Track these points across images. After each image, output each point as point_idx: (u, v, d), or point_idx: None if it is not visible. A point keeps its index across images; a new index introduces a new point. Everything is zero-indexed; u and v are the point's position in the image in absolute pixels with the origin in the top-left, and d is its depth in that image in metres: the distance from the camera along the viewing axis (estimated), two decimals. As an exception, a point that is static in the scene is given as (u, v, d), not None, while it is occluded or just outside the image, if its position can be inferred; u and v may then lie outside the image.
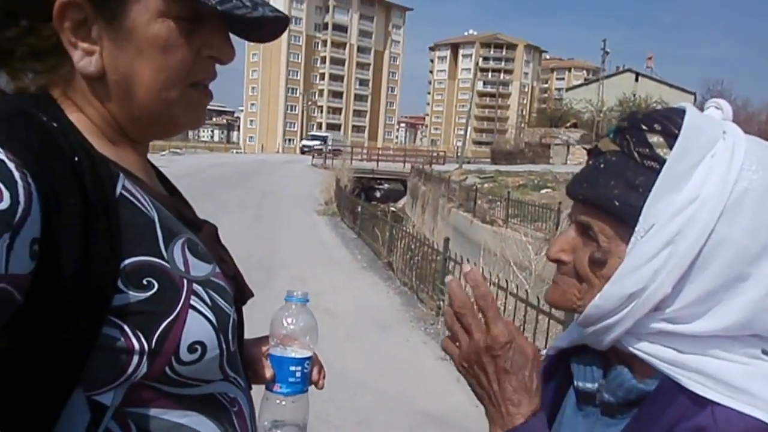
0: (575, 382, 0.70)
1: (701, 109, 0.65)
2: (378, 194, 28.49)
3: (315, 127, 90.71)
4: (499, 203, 13.17)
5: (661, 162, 0.60)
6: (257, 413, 0.79)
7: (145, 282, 0.62)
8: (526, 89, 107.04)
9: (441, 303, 5.95)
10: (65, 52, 0.65)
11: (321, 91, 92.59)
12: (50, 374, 0.57)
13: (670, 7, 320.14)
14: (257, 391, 0.80)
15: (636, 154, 0.62)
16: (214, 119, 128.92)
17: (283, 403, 0.79)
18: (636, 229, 0.60)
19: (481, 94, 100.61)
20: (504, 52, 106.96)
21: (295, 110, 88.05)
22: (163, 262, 0.64)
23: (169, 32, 0.65)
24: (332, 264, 8.38)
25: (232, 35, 0.72)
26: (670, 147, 0.60)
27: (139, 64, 0.65)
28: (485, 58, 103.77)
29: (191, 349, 0.64)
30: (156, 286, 0.62)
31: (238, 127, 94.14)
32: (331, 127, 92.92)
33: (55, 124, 0.62)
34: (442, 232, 12.83)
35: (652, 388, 0.62)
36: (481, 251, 6.21)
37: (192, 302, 0.64)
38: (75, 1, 0.63)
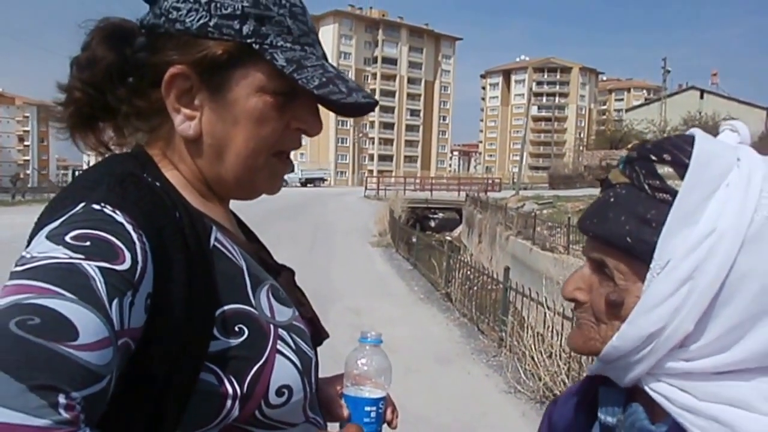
0: (599, 414, 0.68)
1: None
2: (432, 224, 28.33)
3: (366, 158, 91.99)
4: (559, 230, 12.74)
5: (673, 194, 0.58)
6: None
7: (237, 329, 0.65)
8: (583, 112, 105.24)
9: (503, 334, 5.77)
10: (167, 115, 0.71)
11: (372, 123, 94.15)
12: (153, 418, 0.60)
13: (734, 20, 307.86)
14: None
15: (646, 186, 0.59)
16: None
17: None
18: (651, 266, 0.58)
19: (536, 119, 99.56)
20: (558, 76, 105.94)
21: (346, 143, 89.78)
22: (252, 309, 0.68)
23: (265, 106, 0.70)
24: (388, 296, 8.31)
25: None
26: (682, 178, 0.58)
27: (233, 132, 0.71)
28: (539, 83, 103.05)
29: (279, 392, 0.67)
30: (246, 332, 0.66)
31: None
32: (383, 158, 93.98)
33: (157, 183, 0.68)
34: (500, 260, 12.54)
35: (664, 431, 0.59)
36: (543, 280, 5.95)
37: (278, 347, 0.68)
38: (184, 73, 0.69)
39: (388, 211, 17.51)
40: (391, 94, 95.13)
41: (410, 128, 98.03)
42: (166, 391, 0.60)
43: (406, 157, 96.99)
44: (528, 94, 41.26)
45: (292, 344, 0.69)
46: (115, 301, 0.53)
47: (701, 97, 44.65)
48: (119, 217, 0.59)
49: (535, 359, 4.77)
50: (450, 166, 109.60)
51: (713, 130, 0.64)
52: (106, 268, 0.54)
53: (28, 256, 0.55)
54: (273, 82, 0.70)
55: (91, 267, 0.53)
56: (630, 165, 0.62)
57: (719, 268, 0.54)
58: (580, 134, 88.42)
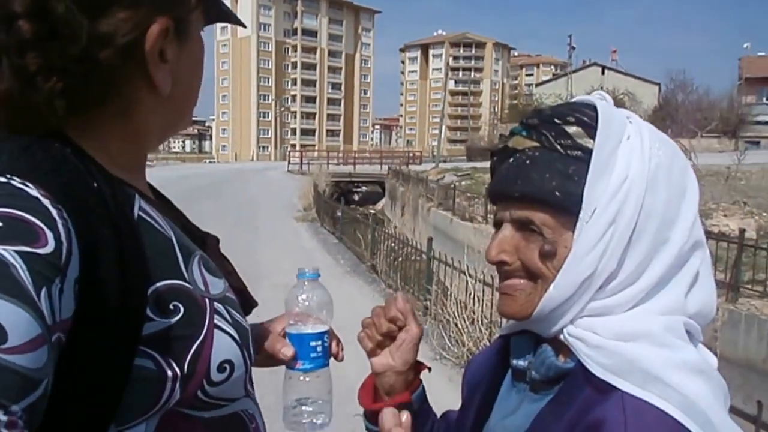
0: (511, 360, 0.73)
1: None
2: (356, 197, 28.38)
3: (289, 132, 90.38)
4: (478, 200, 13.24)
5: (585, 150, 0.63)
6: (282, 393, 0.80)
7: (171, 307, 0.60)
8: (497, 86, 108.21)
9: (428, 303, 5.97)
10: (128, 81, 0.62)
11: (294, 97, 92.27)
12: (86, 413, 0.54)
13: (631, 1, 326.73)
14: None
15: (559, 147, 0.65)
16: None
17: (307, 379, 0.79)
18: (580, 216, 0.63)
19: (453, 93, 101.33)
20: (473, 51, 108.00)
21: (268, 117, 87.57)
22: (186, 284, 0.62)
23: (202, 43, 0.70)
24: (315, 270, 8.32)
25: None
26: (590, 136, 0.64)
27: (193, 80, 0.70)
28: (455, 58, 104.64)
29: (221, 368, 0.63)
30: (182, 309, 0.61)
31: (210, 136, 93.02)
32: (306, 132, 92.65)
33: (68, 149, 0.58)
34: (423, 232, 12.86)
35: (571, 366, 0.64)
36: (464, 249, 6.21)
37: (216, 321, 0.63)
38: (167, 26, 0.62)
39: (312, 186, 17.35)
40: (312, 67, 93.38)
41: (332, 102, 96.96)
42: (99, 385, 0.54)
43: (328, 131, 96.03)
44: (445, 68, 41.83)
45: (228, 317, 0.65)
46: (43, 291, 0.45)
47: (603, 72, 47.43)
48: (32, 191, 0.50)
49: (459, 326, 4.98)
50: (372, 139, 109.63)
51: (615, 104, 0.71)
52: (27, 252, 0.46)
53: None
54: (203, 21, 0.69)
55: (8, 252, 0.45)
56: (535, 130, 0.67)
57: (633, 209, 0.62)
58: (494, 108, 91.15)
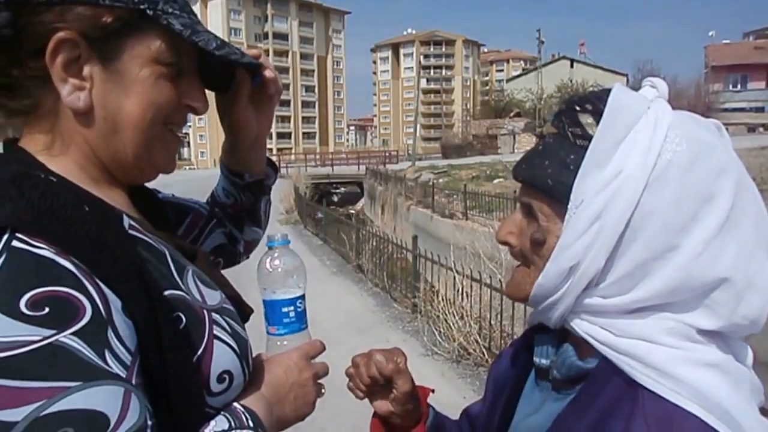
0: (534, 358, 0.73)
1: (636, 89, 0.66)
2: (336, 198, 28.28)
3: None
4: (455, 197, 13.36)
5: (590, 140, 0.61)
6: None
7: (174, 316, 0.61)
8: (468, 83, 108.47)
9: (416, 300, 6.00)
10: (49, 89, 0.63)
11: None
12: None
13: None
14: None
15: (570, 134, 0.63)
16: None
17: (285, 342, 0.80)
18: (569, 206, 0.61)
19: (426, 91, 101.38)
20: (444, 49, 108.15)
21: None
22: (185, 294, 0.64)
23: (160, 76, 0.67)
24: (302, 273, 8.31)
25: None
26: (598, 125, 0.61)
27: (127, 102, 0.65)
28: (426, 56, 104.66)
29: (220, 379, 0.64)
30: (184, 319, 0.62)
31: (188, 143, 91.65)
32: (281, 135, 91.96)
33: (53, 179, 0.60)
34: (404, 230, 12.93)
35: (592, 366, 0.63)
36: (450, 247, 6.29)
37: (215, 332, 0.65)
38: (71, 39, 0.62)
39: (292, 189, 17.28)
40: (285, 70, 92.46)
41: (306, 104, 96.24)
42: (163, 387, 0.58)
43: (304, 133, 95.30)
44: (417, 67, 41.87)
45: (227, 327, 0.67)
46: (107, 354, 0.50)
47: (571, 66, 47.88)
48: (47, 252, 0.52)
49: (449, 322, 5.03)
50: (348, 140, 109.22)
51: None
52: (78, 329, 0.49)
53: None
54: (165, 52, 0.67)
55: (67, 338, 0.49)
56: (558, 117, 0.65)
57: (625, 207, 0.57)
58: (466, 105, 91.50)
